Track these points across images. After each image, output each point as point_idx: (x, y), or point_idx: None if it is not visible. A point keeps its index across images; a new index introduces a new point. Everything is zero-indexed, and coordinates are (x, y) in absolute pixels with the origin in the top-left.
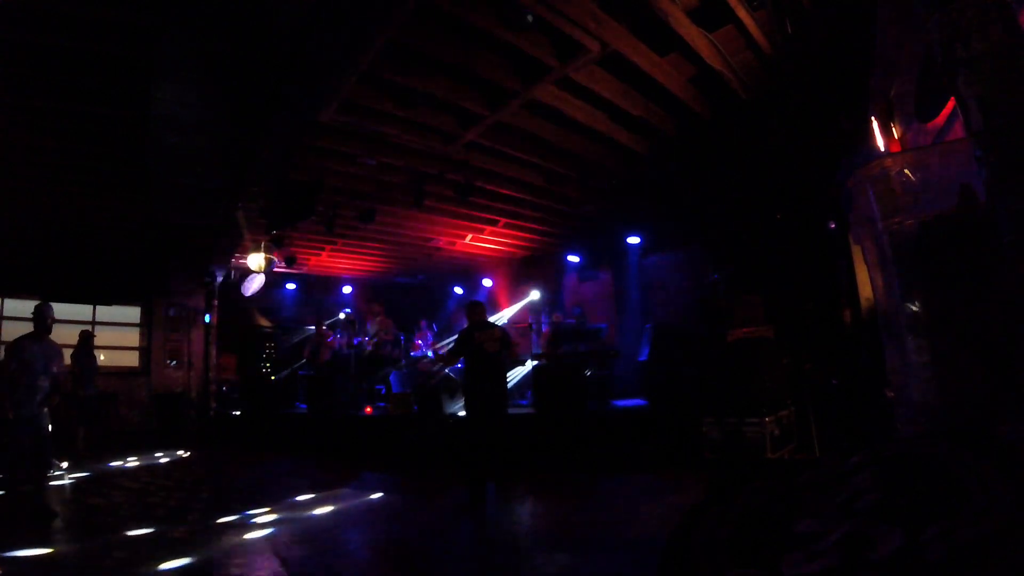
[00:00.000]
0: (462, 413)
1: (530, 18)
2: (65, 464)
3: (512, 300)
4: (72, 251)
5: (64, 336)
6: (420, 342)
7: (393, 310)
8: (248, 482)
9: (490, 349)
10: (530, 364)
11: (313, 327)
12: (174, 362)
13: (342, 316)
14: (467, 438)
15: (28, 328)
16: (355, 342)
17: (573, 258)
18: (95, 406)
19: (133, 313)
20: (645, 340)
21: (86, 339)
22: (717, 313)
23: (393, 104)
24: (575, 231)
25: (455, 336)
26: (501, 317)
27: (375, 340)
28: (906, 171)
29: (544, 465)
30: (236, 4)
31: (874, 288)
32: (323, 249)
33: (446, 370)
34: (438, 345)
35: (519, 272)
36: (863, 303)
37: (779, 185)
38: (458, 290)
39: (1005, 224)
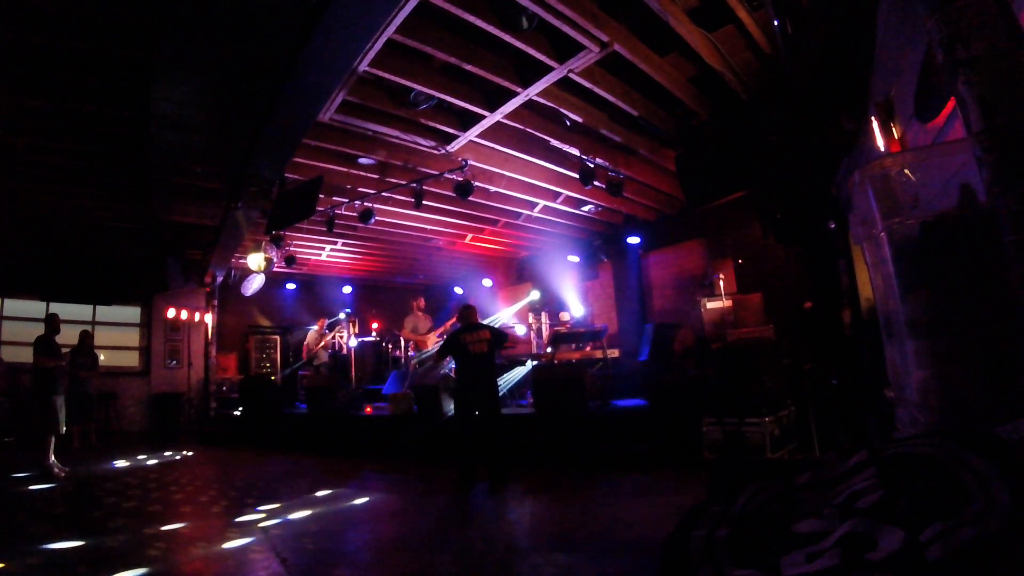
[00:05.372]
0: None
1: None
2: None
3: (512, 300)
4: (72, 251)
5: (64, 336)
6: None
7: (393, 310)
8: (247, 482)
9: (476, 351)
10: (530, 364)
11: (313, 327)
12: (174, 362)
13: (342, 316)
14: (458, 439)
15: (28, 328)
16: (397, 343)
17: (573, 258)
18: (91, 405)
19: (133, 313)
20: (645, 340)
21: (84, 338)
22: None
23: (393, 104)
24: (575, 231)
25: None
26: (500, 317)
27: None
28: (906, 171)
29: (544, 465)
30: (236, 4)
31: (874, 288)
32: (323, 249)
33: (445, 369)
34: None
35: (519, 272)
36: (863, 303)
37: (779, 185)
38: (458, 290)
39: (1005, 224)
